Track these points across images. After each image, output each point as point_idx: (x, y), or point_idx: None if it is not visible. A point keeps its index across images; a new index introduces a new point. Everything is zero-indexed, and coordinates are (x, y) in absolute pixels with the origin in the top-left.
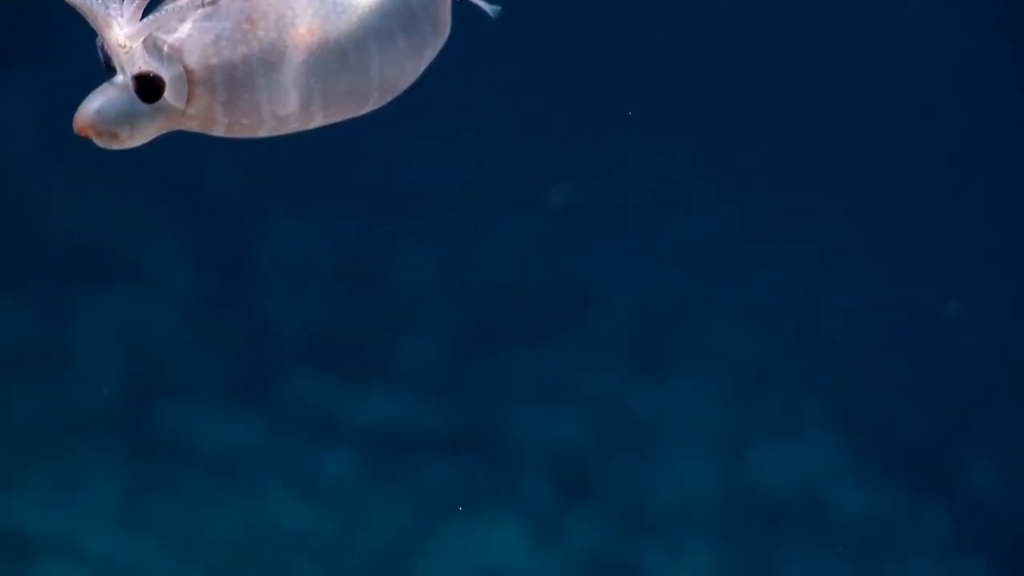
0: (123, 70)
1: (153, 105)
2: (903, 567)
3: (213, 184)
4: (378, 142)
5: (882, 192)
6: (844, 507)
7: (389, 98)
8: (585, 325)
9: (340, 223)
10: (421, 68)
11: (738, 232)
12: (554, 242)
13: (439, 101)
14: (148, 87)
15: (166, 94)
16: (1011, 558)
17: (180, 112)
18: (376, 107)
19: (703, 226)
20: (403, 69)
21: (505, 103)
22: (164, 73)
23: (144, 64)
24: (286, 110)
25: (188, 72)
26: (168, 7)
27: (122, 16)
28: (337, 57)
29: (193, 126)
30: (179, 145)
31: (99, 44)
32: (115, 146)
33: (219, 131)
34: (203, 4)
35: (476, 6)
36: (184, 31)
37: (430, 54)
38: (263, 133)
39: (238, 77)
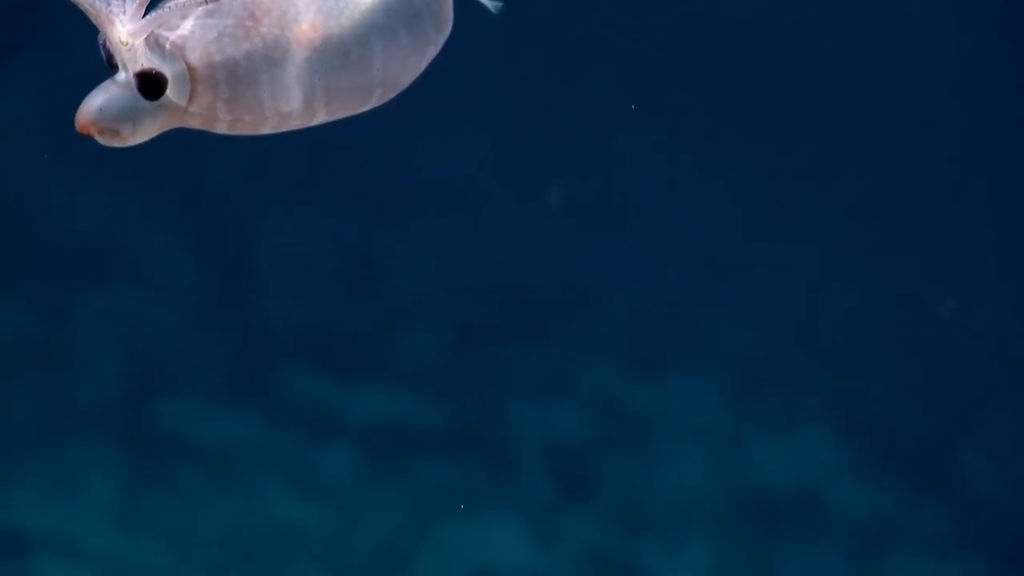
0: (125, 67)
1: (155, 102)
2: (902, 566)
3: (213, 182)
4: (379, 139)
5: (882, 192)
6: (843, 506)
7: (391, 95)
8: (585, 323)
9: (340, 221)
10: (423, 65)
11: (738, 231)
12: (554, 240)
13: (441, 98)
14: (151, 84)
15: (168, 91)
16: (1010, 556)
17: (182, 109)
18: (378, 104)
19: (703, 225)
20: (405, 66)
21: (506, 101)
22: (167, 70)
23: (146, 61)
24: (289, 107)
25: (191, 69)
26: (170, 4)
27: (124, 13)
28: (340, 54)
29: (195, 123)
30: (179, 143)
31: (101, 41)
32: (117, 144)
33: (222, 128)
34: (206, 1)
35: (478, 3)
36: (186, 28)
37: (432, 51)
38: (265, 130)
39: (241, 74)
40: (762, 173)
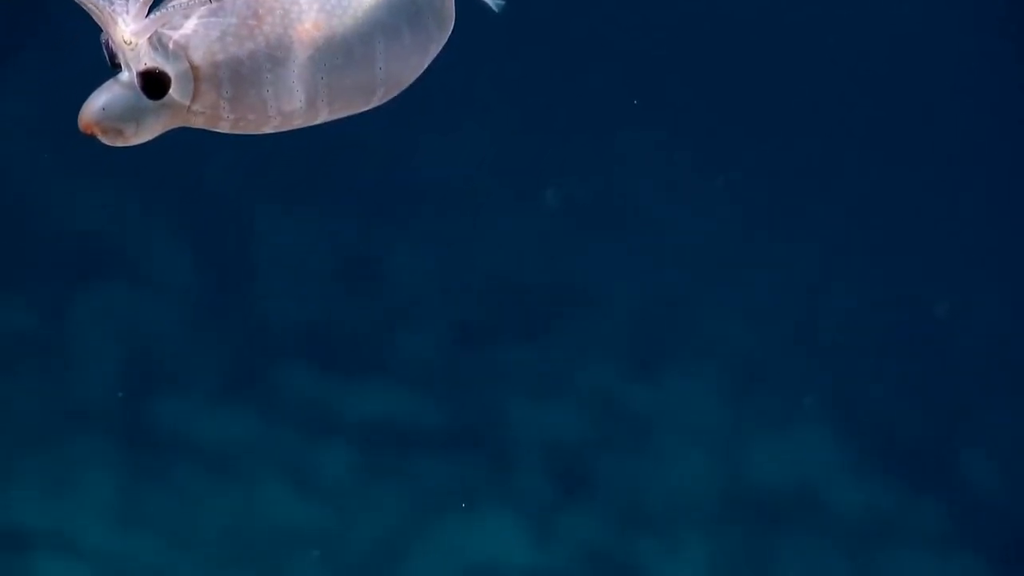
0: (128, 67)
1: (159, 102)
2: (900, 565)
3: (212, 181)
4: (379, 138)
5: (882, 192)
6: (842, 505)
7: (394, 93)
8: (584, 323)
9: (339, 220)
10: (426, 63)
11: (738, 231)
12: (553, 239)
13: (441, 96)
14: (154, 84)
15: (172, 91)
16: (1009, 555)
17: (185, 109)
18: (381, 103)
19: (703, 225)
20: (408, 64)
21: (507, 99)
22: (170, 69)
23: (150, 61)
24: (292, 106)
25: (194, 68)
26: (173, 3)
27: (128, 13)
28: (343, 52)
29: (198, 123)
30: (179, 143)
31: (104, 41)
32: (120, 143)
33: (224, 127)
34: (209, 0)
35: (480, 1)
36: (190, 27)
37: (434, 49)
38: (268, 129)
39: (244, 73)
40: (762, 173)
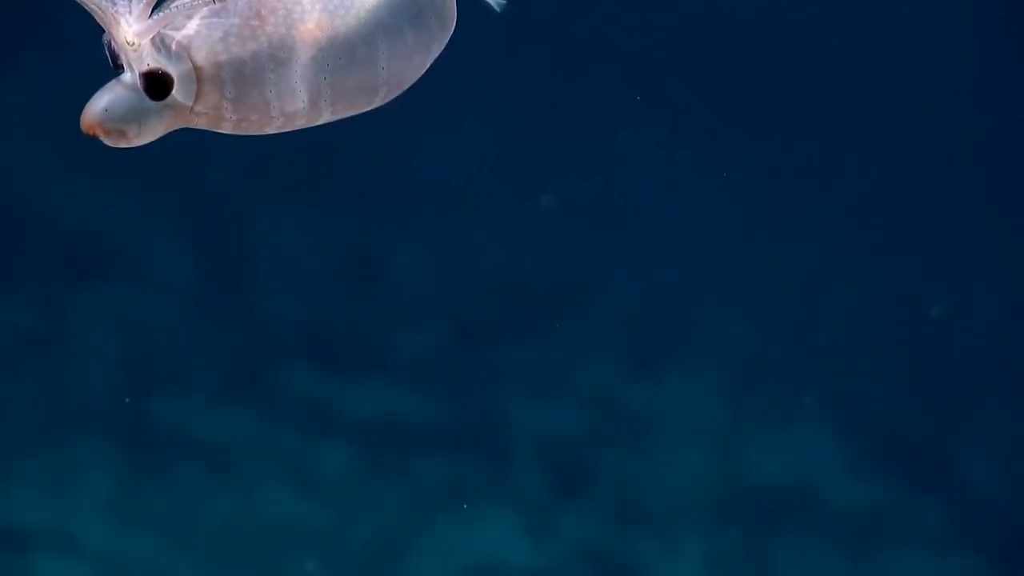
0: (131, 68)
1: (161, 103)
2: (900, 564)
3: (212, 180)
4: (380, 137)
5: (882, 192)
6: (841, 504)
7: (396, 94)
8: (583, 322)
9: (339, 219)
10: (428, 63)
11: (738, 231)
12: (553, 238)
13: (443, 96)
14: (157, 84)
15: (175, 91)
16: (1009, 554)
17: (188, 109)
18: (383, 103)
19: (703, 224)
20: (410, 64)
21: (508, 98)
22: (173, 70)
23: (152, 61)
24: (295, 107)
25: (197, 69)
26: (176, 4)
27: (130, 14)
28: (346, 53)
29: (201, 123)
30: (179, 142)
31: (105, 41)
32: (122, 144)
33: (227, 128)
34: (212, 1)
35: (481, 1)
36: (192, 28)
37: (437, 48)
38: (271, 130)
39: (247, 74)
40: (762, 172)
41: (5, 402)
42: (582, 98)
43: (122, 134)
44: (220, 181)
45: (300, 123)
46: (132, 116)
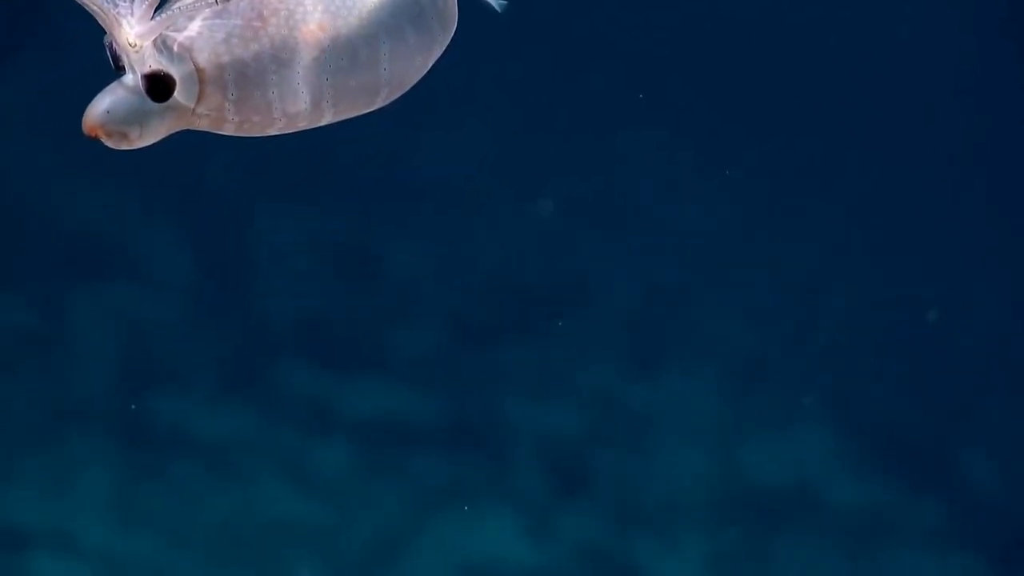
0: (133, 69)
1: (163, 104)
2: (900, 564)
3: (212, 179)
4: (381, 137)
5: (882, 192)
6: (841, 504)
7: (398, 94)
8: (583, 321)
9: (338, 218)
10: (429, 64)
11: (738, 230)
12: (553, 238)
13: (444, 96)
14: (159, 86)
15: (177, 93)
16: (1008, 554)
17: (190, 111)
18: (385, 104)
19: (703, 224)
20: (412, 65)
21: (508, 98)
22: (175, 72)
23: (154, 63)
24: (297, 108)
25: (199, 71)
26: (178, 5)
27: (132, 15)
28: (348, 54)
29: (203, 125)
30: (179, 142)
31: (107, 43)
32: (124, 146)
33: (229, 130)
34: (215, 2)
35: (482, 1)
36: (194, 29)
37: (438, 49)
38: (273, 131)
39: (249, 75)
40: (762, 172)
41: (5, 402)
42: (582, 98)
43: (124, 136)
44: (219, 180)
45: (302, 124)
46: (134, 118)
